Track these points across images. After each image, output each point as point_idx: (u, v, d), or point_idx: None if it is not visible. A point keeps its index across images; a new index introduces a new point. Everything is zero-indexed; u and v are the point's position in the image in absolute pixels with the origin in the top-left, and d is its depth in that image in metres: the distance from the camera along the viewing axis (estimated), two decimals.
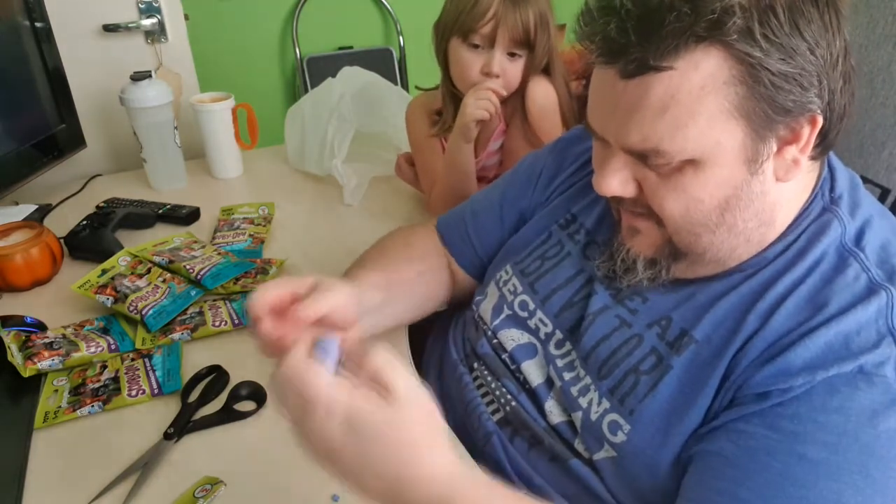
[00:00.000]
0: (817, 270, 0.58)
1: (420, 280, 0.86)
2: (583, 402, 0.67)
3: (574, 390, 0.68)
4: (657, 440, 0.60)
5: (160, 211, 1.21)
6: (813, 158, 0.59)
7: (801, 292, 0.58)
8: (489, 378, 0.77)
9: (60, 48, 1.25)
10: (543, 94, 1.07)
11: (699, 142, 0.53)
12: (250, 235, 1.13)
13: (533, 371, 0.73)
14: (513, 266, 0.81)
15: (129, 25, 1.43)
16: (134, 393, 0.78)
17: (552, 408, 0.70)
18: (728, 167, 0.55)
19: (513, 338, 0.77)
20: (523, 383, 0.74)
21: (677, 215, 0.58)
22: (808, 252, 0.59)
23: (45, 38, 1.22)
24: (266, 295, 0.55)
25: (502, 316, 0.79)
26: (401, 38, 2.65)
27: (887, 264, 0.58)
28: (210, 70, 1.86)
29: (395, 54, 2.66)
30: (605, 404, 0.64)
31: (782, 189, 0.58)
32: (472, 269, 0.90)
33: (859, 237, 0.60)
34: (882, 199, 0.86)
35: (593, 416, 0.65)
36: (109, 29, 1.42)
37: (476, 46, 1.03)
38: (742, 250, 0.61)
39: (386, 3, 2.60)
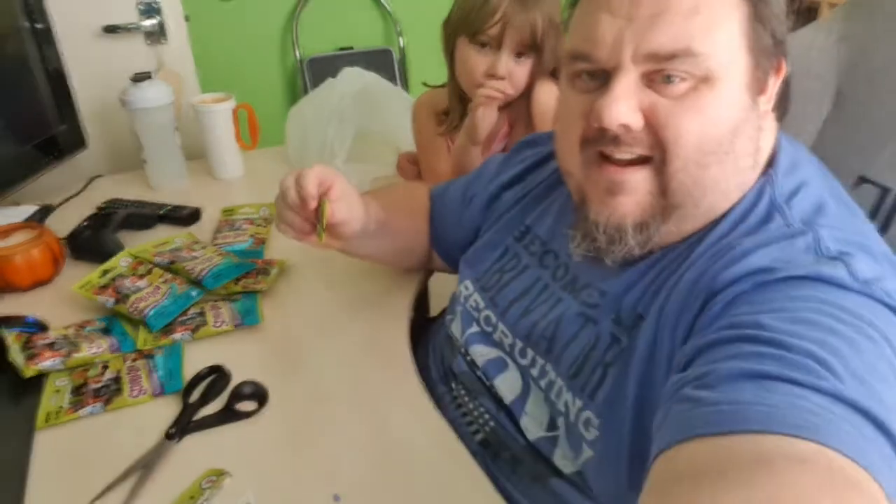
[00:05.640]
0: (743, 224, 0.58)
1: (409, 231, 0.94)
2: (560, 404, 0.66)
3: (552, 395, 0.68)
4: (630, 428, 0.58)
5: (161, 212, 1.21)
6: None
7: (727, 240, 0.57)
8: (467, 398, 0.78)
9: (61, 49, 1.25)
10: (548, 97, 1.07)
11: (726, 50, 0.55)
12: (251, 236, 1.13)
13: (505, 386, 0.73)
14: (473, 282, 0.82)
15: (130, 26, 1.44)
16: (135, 393, 0.78)
17: (528, 423, 0.70)
18: (737, 89, 0.56)
19: (482, 353, 0.77)
20: (499, 400, 0.74)
21: (693, 140, 0.55)
22: (739, 211, 0.59)
23: (45, 39, 1.22)
24: (313, 179, 0.73)
25: (469, 331, 0.79)
26: (401, 39, 2.65)
27: (813, 224, 0.55)
28: (210, 71, 1.86)
29: (395, 55, 2.66)
30: (578, 403, 0.64)
31: (762, 136, 0.60)
32: (433, 241, 0.95)
33: (791, 195, 0.59)
34: (882, 198, 0.85)
35: (572, 417, 0.64)
36: (110, 30, 1.42)
37: (483, 46, 1.03)
38: (733, 192, 0.59)
39: (386, 3, 2.60)
